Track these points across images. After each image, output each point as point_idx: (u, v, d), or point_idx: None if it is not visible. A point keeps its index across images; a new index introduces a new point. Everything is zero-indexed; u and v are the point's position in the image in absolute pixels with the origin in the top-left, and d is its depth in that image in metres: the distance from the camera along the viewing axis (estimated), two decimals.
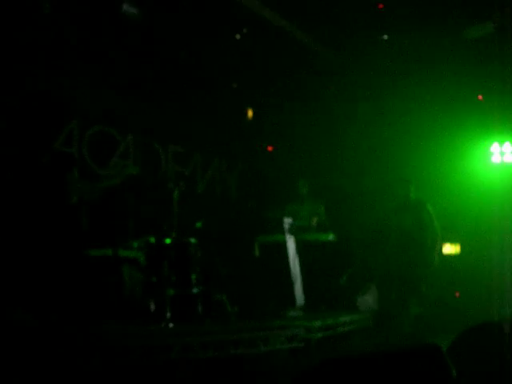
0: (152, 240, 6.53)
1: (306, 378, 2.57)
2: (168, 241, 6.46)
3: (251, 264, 8.05)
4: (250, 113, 10.12)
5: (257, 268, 7.99)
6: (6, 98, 6.91)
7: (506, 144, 9.10)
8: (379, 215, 9.14)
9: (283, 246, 7.96)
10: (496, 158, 9.19)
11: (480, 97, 9.39)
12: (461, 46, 8.85)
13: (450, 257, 9.62)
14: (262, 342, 5.77)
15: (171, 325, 5.87)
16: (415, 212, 8.16)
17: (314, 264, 8.28)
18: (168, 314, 5.97)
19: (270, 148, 10.81)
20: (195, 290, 6.39)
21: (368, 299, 8.83)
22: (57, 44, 7.28)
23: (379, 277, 8.98)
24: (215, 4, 7.94)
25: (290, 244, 8.01)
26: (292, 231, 8.08)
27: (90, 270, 6.20)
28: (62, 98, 7.50)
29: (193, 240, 6.63)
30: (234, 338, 5.68)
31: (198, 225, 6.90)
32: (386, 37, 8.90)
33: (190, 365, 5.07)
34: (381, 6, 8.35)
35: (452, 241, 9.62)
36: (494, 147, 9.20)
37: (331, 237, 8.62)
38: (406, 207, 8.23)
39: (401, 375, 2.71)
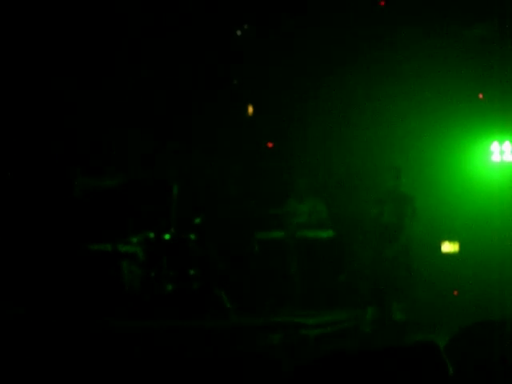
0: (151, 235, 6.54)
1: (307, 370, 2.59)
2: (167, 236, 6.48)
3: (250, 260, 8.06)
4: (251, 109, 10.11)
5: (255, 264, 8.01)
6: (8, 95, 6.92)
7: (506, 143, 9.09)
8: (362, 207, 8.82)
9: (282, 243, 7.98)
10: (496, 157, 9.18)
11: (481, 95, 9.39)
12: (462, 44, 8.84)
13: (448, 255, 9.61)
14: (259, 337, 5.78)
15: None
16: (398, 206, 7.32)
17: (314, 261, 8.29)
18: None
19: (270, 144, 10.80)
20: (194, 286, 6.40)
21: None
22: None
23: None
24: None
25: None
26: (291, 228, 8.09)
27: (89, 265, 6.21)
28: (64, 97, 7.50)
29: (192, 236, 6.64)
30: (231, 333, 5.69)
31: (197, 221, 6.91)
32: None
33: (187, 360, 5.07)
34: (382, 2, 8.35)
35: (451, 239, 9.62)
36: (494, 146, 9.20)
37: (331, 234, 8.62)
38: (389, 199, 7.39)
39: (398, 372, 2.72)
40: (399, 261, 7.26)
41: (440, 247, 9.67)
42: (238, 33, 8.91)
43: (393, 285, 7.20)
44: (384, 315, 7.23)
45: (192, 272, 6.47)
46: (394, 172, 7.44)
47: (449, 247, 9.67)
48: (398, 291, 7.22)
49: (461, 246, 9.60)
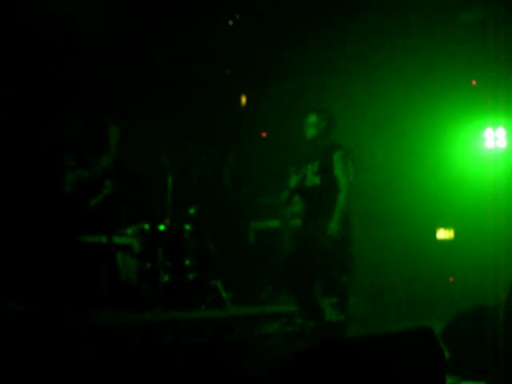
0: (146, 227, 6.54)
1: (305, 357, 2.60)
2: (162, 227, 6.47)
3: (245, 250, 8.08)
4: (244, 99, 10.10)
5: (251, 254, 8.02)
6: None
7: (500, 129, 9.11)
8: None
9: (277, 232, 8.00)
10: (489, 143, 9.20)
11: (474, 82, 9.39)
12: (455, 30, 8.83)
13: (444, 242, 9.65)
14: (256, 327, 5.79)
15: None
16: (323, 163, 5.23)
17: None
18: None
19: (263, 134, 10.80)
20: (190, 276, 6.41)
21: None
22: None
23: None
24: None
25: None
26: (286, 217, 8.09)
27: (84, 257, 6.21)
28: (55, 87, 7.46)
29: (187, 226, 6.63)
30: (228, 323, 5.70)
31: (192, 211, 6.90)
32: None
33: (185, 351, 5.08)
34: None
35: (446, 226, 9.65)
36: (488, 132, 9.21)
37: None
38: (312, 156, 5.36)
39: (394, 357, 2.73)
40: (323, 240, 5.11)
41: (435, 234, 9.71)
42: (230, 23, 8.89)
43: (315, 273, 5.18)
44: (314, 316, 5.32)
45: (188, 263, 6.47)
46: (314, 118, 5.39)
47: (444, 234, 9.70)
48: (325, 282, 5.17)
49: (456, 233, 9.64)
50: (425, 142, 9.20)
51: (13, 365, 4.04)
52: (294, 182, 5.38)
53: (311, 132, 5.38)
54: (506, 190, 8.49)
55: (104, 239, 6.44)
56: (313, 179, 5.26)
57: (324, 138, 5.38)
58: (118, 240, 6.59)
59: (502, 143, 9.14)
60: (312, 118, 5.40)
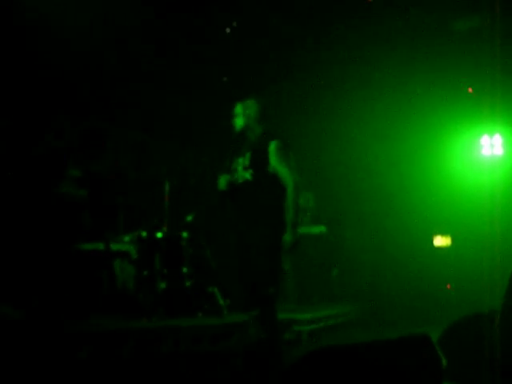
0: (143, 234, 6.54)
1: (296, 369, 2.59)
2: (159, 235, 6.47)
3: None
4: None
5: None
6: None
7: (496, 136, 9.14)
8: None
9: None
10: (486, 151, 9.23)
11: (470, 89, 9.43)
12: (451, 38, 8.88)
13: (441, 249, 9.67)
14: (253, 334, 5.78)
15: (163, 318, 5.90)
16: (255, 154, 4.39)
17: (306, 257, 8.31)
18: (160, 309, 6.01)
19: None
20: (187, 284, 6.40)
21: None
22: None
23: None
24: None
25: None
26: None
27: (82, 264, 6.20)
28: (52, 93, 7.47)
29: (184, 234, 6.64)
30: (226, 330, 5.70)
31: (189, 218, 6.91)
32: None
33: (182, 358, 5.08)
34: None
35: (443, 233, 9.67)
36: (484, 140, 9.24)
37: (323, 229, 8.64)
38: (243, 149, 4.55)
39: (391, 365, 2.73)
40: (260, 247, 4.28)
41: (432, 241, 9.73)
42: (228, 30, 8.91)
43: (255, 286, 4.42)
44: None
45: (185, 270, 6.46)
46: (240, 107, 4.65)
47: (441, 241, 9.73)
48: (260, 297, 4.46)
49: (453, 240, 9.66)
50: (422, 149, 9.23)
51: (8, 370, 4.04)
52: (223, 181, 4.60)
53: (238, 122, 4.60)
54: (503, 197, 8.52)
55: (101, 246, 6.43)
56: (243, 174, 4.44)
57: (255, 128, 4.57)
58: (115, 247, 6.59)
59: (499, 150, 9.18)
60: (237, 109, 4.66)
